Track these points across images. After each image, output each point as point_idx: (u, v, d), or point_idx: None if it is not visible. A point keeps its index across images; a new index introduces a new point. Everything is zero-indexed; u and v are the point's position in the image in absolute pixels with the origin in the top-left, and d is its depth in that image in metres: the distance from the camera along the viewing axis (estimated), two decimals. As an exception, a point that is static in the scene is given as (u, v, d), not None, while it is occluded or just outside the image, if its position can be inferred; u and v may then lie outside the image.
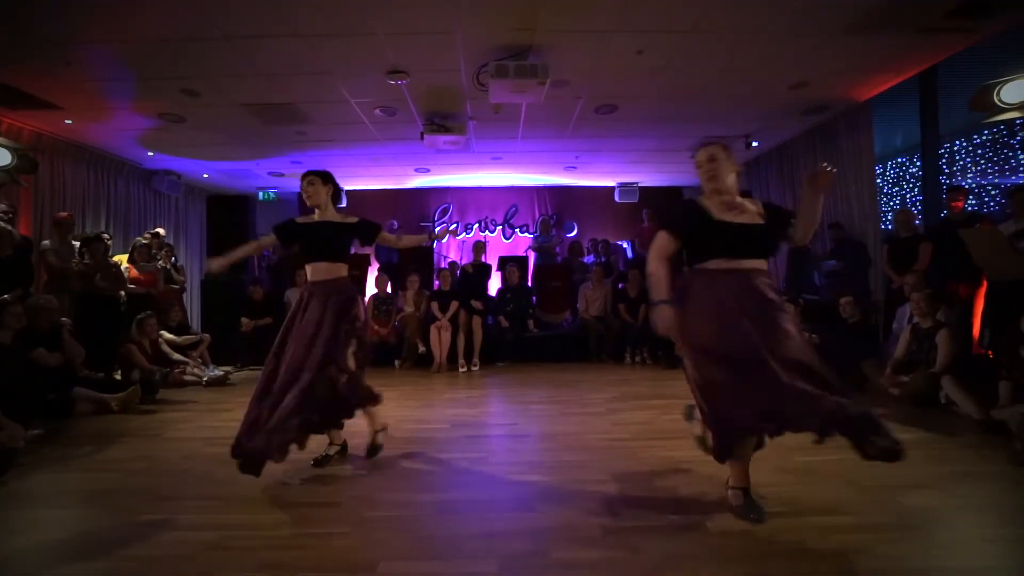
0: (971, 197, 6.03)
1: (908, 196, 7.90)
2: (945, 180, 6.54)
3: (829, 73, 4.75)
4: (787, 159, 7.00)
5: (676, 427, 3.29)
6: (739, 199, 2.04)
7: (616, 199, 9.13)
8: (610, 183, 9.15)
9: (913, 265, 4.54)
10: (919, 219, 5.53)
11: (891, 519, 1.96)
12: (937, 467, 2.49)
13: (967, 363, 3.66)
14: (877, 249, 5.35)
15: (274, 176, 8.31)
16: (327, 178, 2.67)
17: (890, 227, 6.51)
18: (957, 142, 6.80)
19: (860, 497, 2.16)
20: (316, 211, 2.67)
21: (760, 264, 1.99)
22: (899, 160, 8.11)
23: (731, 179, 2.03)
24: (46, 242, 5.05)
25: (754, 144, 6.66)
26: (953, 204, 4.64)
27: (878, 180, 6.33)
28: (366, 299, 6.97)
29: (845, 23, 3.84)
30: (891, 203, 8.18)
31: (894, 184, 8.24)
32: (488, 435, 3.20)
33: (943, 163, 6.55)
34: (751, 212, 2.01)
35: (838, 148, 5.92)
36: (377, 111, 5.55)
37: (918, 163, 7.25)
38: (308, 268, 2.61)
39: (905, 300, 4.33)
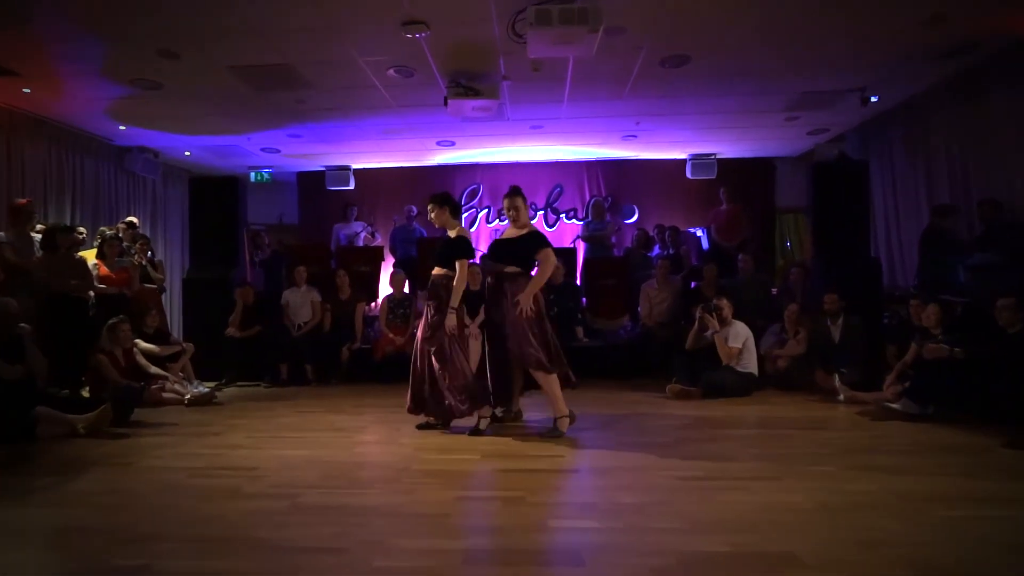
0: None
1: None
2: None
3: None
4: (918, 118, 6.70)
5: (762, 464, 3.21)
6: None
7: (688, 175, 8.98)
8: (680, 155, 9.02)
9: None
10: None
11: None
12: None
13: None
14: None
15: (268, 152, 8.62)
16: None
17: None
18: None
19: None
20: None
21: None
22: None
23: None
24: (1, 234, 5.37)
25: (872, 99, 6.41)
26: None
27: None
28: (379, 301, 7.11)
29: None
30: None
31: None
32: (527, 469, 3.20)
33: None
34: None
35: (989, 102, 5.62)
36: (391, 72, 5.66)
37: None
38: None
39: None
